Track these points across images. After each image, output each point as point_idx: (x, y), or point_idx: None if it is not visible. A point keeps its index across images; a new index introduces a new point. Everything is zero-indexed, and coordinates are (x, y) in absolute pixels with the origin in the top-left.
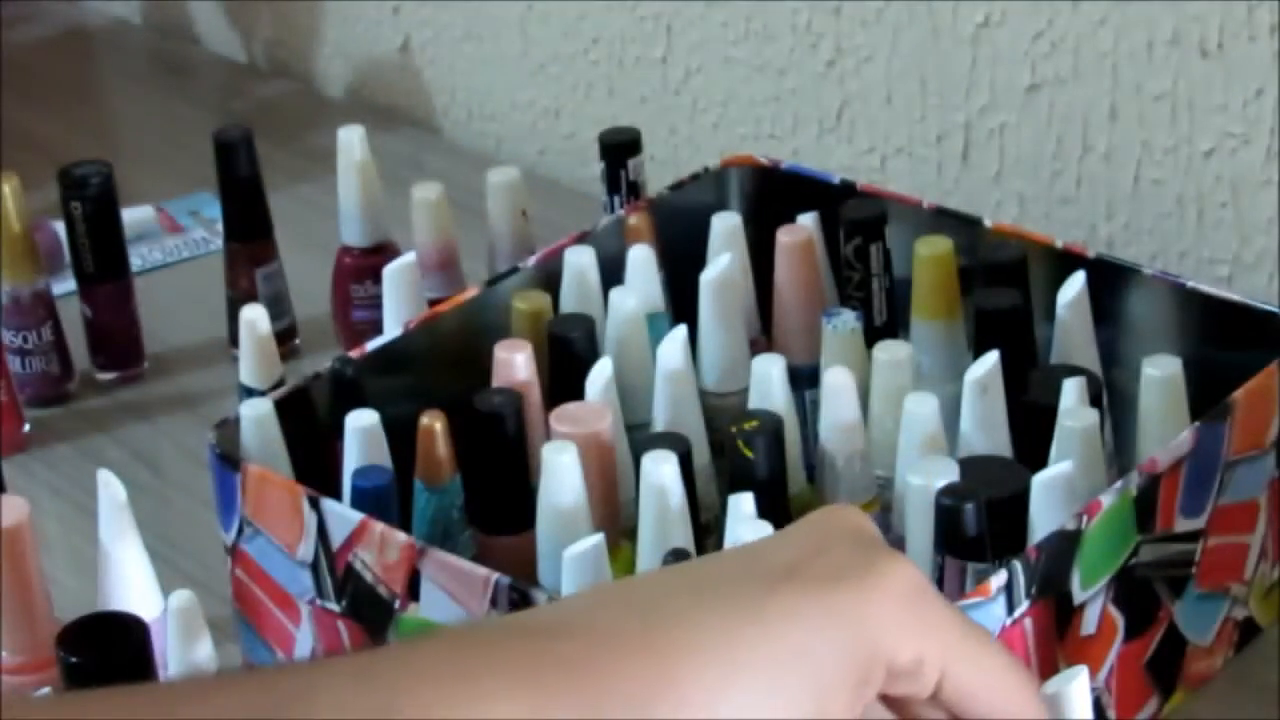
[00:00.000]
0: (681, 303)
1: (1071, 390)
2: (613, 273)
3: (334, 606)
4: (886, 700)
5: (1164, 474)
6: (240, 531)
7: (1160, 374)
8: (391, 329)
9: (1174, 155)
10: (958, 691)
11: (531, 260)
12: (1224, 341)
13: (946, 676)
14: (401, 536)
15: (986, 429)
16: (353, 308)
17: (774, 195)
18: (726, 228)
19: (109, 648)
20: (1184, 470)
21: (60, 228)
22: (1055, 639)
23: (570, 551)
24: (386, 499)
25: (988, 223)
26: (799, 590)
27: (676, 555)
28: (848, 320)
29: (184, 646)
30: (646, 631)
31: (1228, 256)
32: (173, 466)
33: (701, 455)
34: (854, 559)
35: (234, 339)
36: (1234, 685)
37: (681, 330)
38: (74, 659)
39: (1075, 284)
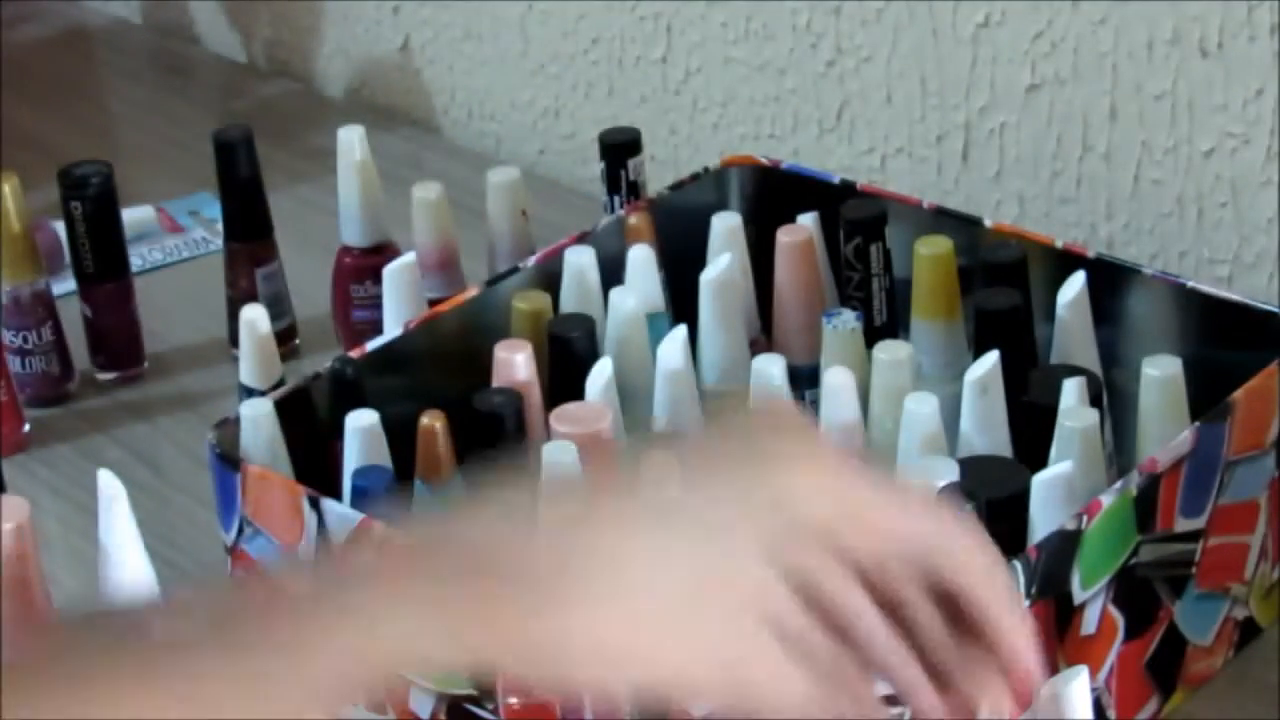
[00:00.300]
0: (681, 303)
1: (1071, 390)
2: (613, 273)
3: None
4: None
5: (1164, 474)
6: (240, 531)
7: (1160, 374)
8: (391, 329)
9: (1174, 155)
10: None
11: (531, 260)
12: (1224, 341)
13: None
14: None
15: (986, 429)
16: (353, 308)
17: (774, 195)
18: (726, 228)
19: None
20: (1184, 470)
21: (60, 228)
22: (1055, 639)
23: None
24: (386, 499)
25: (988, 223)
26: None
27: None
28: (848, 320)
29: None
30: (536, 531)
31: (1228, 256)
32: (173, 466)
33: None
34: (798, 458)
35: (234, 339)
36: (1234, 685)
37: (681, 330)
38: None
39: (1075, 284)
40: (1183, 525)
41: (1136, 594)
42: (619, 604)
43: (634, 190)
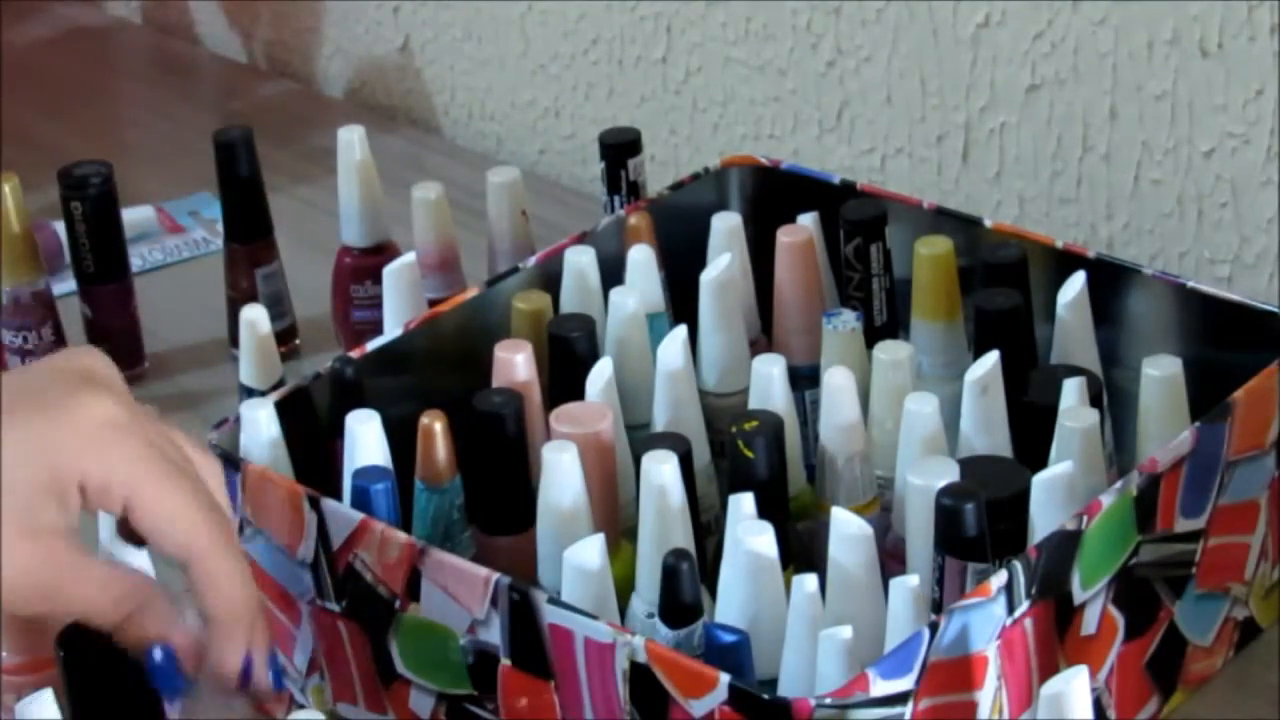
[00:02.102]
0: (681, 303)
1: (1071, 390)
2: (613, 273)
3: (334, 606)
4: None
5: (1164, 474)
6: (240, 531)
7: (1160, 374)
8: (391, 329)
9: (1174, 155)
10: (143, 521)
11: (531, 260)
12: (1224, 341)
13: (132, 505)
14: (401, 536)
15: (986, 429)
16: (353, 308)
17: (774, 195)
18: (726, 228)
19: (109, 648)
20: (1184, 470)
21: (60, 228)
22: (1055, 639)
23: (570, 551)
24: (386, 499)
25: (988, 223)
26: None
27: (677, 555)
28: (848, 320)
29: None
30: None
31: (1228, 256)
32: None
33: (701, 455)
34: (60, 393)
35: (234, 339)
36: (1234, 685)
37: (681, 330)
38: (74, 659)
39: (1075, 284)
40: (1183, 525)
41: (1136, 594)
42: None
43: (634, 190)
